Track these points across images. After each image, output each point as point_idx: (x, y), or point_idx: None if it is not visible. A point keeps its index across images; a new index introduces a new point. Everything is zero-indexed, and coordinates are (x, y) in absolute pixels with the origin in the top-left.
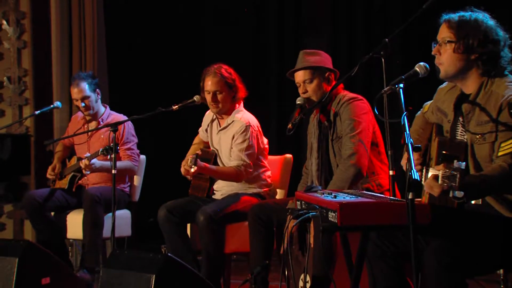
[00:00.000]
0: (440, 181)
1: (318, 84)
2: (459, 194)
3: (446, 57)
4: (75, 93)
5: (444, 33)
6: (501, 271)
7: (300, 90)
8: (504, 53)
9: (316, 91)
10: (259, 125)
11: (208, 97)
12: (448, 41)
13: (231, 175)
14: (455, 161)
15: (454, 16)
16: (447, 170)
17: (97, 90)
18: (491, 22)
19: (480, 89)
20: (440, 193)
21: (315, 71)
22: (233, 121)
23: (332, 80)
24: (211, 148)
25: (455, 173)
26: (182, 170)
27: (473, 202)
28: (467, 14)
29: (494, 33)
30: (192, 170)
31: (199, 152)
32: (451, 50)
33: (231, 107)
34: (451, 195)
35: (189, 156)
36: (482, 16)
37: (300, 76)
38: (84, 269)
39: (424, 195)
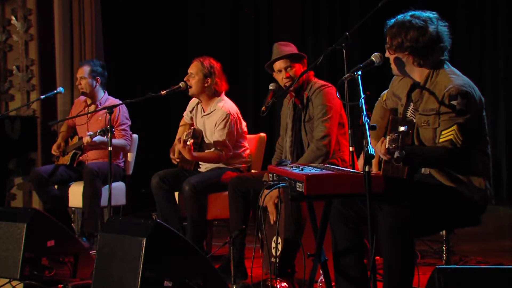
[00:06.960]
0: (387, 145)
1: (300, 68)
2: (401, 154)
3: (391, 59)
4: (78, 72)
5: (387, 38)
6: (443, 232)
7: (281, 76)
8: (443, 44)
9: (299, 74)
10: (238, 111)
11: (186, 77)
12: (389, 45)
13: (214, 159)
14: (399, 126)
15: (390, 22)
16: (393, 134)
17: (97, 77)
18: (420, 21)
19: (426, 80)
20: (385, 153)
21: (294, 58)
22: (215, 109)
23: (306, 66)
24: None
25: (398, 135)
26: (181, 143)
27: (422, 171)
28: (400, 17)
29: (421, 31)
30: (188, 142)
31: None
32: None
33: (205, 94)
34: (395, 156)
35: (185, 132)
36: (411, 17)
37: (281, 64)
38: (83, 237)
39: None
